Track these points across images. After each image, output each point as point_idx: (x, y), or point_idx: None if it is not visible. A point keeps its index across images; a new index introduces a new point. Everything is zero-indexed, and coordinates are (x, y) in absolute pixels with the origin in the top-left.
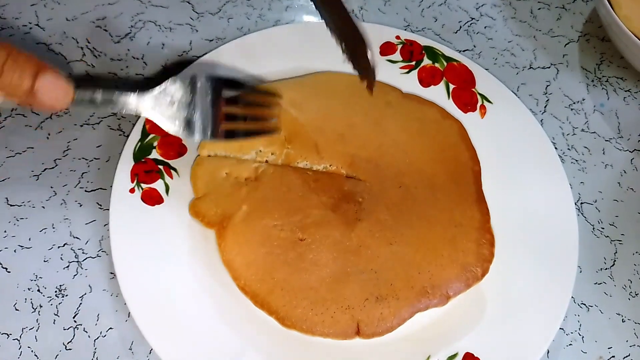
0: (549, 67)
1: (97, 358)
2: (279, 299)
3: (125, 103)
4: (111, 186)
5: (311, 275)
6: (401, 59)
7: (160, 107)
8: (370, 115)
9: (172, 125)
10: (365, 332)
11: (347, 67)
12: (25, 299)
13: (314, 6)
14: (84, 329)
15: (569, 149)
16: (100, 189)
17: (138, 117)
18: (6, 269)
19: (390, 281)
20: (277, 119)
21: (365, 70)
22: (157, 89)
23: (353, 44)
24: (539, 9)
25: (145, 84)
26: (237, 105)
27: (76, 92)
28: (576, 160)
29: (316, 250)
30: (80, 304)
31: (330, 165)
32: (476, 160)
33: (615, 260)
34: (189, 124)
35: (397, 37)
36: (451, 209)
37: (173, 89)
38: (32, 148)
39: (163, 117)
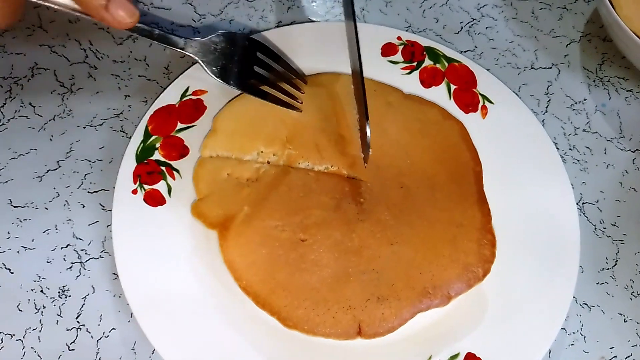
0: (551, 68)
1: (99, 358)
2: (280, 300)
3: (176, 42)
4: (114, 187)
5: (312, 275)
6: (402, 59)
7: (204, 51)
8: (371, 116)
9: (211, 68)
10: (366, 332)
11: (348, 68)
12: (29, 299)
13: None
14: (87, 329)
15: (570, 149)
16: (103, 190)
17: (140, 118)
18: (9, 269)
19: (392, 281)
20: (301, 100)
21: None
22: (205, 38)
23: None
24: (540, 9)
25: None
26: (270, 72)
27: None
28: (578, 161)
29: (317, 250)
30: (83, 304)
31: (331, 166)
32: (477, 160)
33: (617, 260)
34: (224, 71)
35: (399, 38)
36: (452, 209)
37: (217, 40)
38: (35, 149)
39: (205, 60)
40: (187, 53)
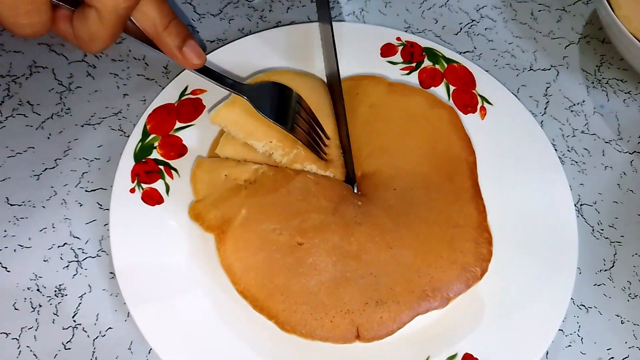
0: (549, 69)
1: (96, 358)
2: (278, 304)
3: (232, 85)
4: (111, 186)
5: (310, 279)
6: (402, 60)
7: (254, 95)
8: (357, 121)
9: (258, 106)
10: (365, 336)
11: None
12: (25, 298)
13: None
14: (83, 328)
15: (568, 150)
16: (101, 189)
17: (139, 117)
18: (6, 268)
19: (390, 285)
20: (326, 153)
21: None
22: (255, 84)
23: None
24: (540, 10)
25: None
26: (304, 118)
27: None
28: (576, 162)
29: (315, 254)
30: (80, 303)
31: (333, 176)
32: (470, 150)
33: (614, 262)
34: (269, 110)
35: (398, 39)
36: (448, 209)
37: (267, 86)
38: (33, 148)
39: (253, 101)
40: (241, 95)
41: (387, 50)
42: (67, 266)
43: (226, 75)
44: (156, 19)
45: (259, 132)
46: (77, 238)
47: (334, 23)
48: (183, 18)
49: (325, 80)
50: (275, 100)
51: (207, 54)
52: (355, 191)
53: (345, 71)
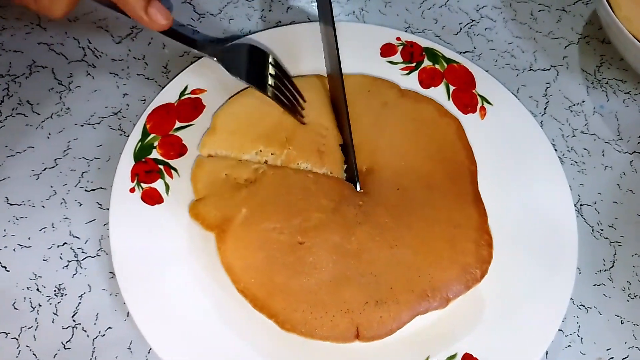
0: (549, 69)
1: (95, 357)
2: (278, 303)
3: (201, 46)
4: (111, 186)
5: (311, 278)
6: (402, 60)
7: (226, 57)
8: (367, 117)
9: (231, 70)
10: (364, 335)
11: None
12: (25, 298)
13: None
14: (83, 328)
15: (568, 150)
16: (101, 188)
17: (139, 116)
18: (5, 267)
19: (390, 285)
20: (303, 115)
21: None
22: (227, 45)
23: None
24: (539, 11)
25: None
26: (277, 79)
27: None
28: (576, 162)
29: (316, 253)
30: (80, 303)
31: (330, 172)
32: (473, 159)
33: (614, 262)
34: (241, 71)
35: (398, 39)
36: (449, 210)
37: (238, 48)
38: (33, 147)
39: (226, 64)
40: (210, 57)
41: (387, 50)
42: (67, 266)
43: (196, 38)
44: None
45: (245, 146)
46: (77, 238)
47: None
48: (182, 18)
49: (327, 78)
50: (247, 62)
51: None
52: (359, 189)
53: (346, 71)
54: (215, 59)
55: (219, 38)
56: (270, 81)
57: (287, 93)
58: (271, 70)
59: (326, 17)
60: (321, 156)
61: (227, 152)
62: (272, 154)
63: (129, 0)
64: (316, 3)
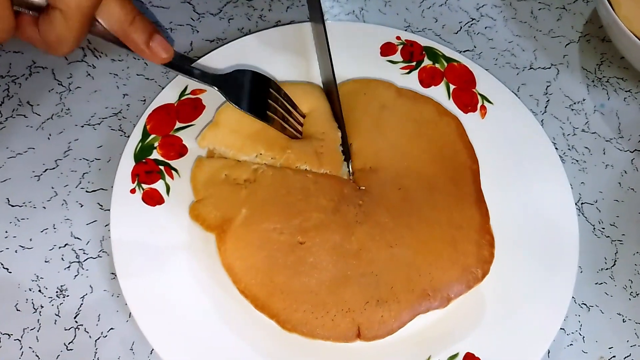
0: (550, 68)
1: (98, 358)
2: (279, 303)
3: (203, 78)
4: (112, 187)
5: (311, 278)
6: (402, 59)
7: (225, 85)
8: (366, 120)
9: (230, 98)
10: (365, 335)
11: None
12: (27, 299)
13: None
14: (85, 329)
15: (569, 149)
16: (101, 189)
17: (139, 117)
18: (7, 269)
19: (391, 284)
20: (301, 132)
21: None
22: (226, 73)
23: None
24: (540, 9)
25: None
26: (278, 104)
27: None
28: (577, 161)
29: (316, 253)
30: (81, 304)
31: (329, 172)
32: (474, 158)
33: (615, 261)
34: (241, 100)
35: (398, 38)
36: (450, 210)
37: (236, 75)
38: (33, 148)
39: (225, 91)
40: (212, 87)
41: (386, 50)
42: (69, 267)
43: (196, 67)
44: (121, 16)
45: (246, 147)
46: (78, 239)
47: (333, 23)
48: (182, 18)
49: (322, 84)
50: (249, 90)
51: (206, 54)
52: (351, 178)
53: (345, 71)
54: (216, 88)
55: (219, 39)
56: (272, 109)
57: (288, 117)
58: (273, 96)
59: (316, 18)
60: (319, 158)
61: (226, 149)
62: (272, 158)
63: (132, 36)
64: (307, 3)
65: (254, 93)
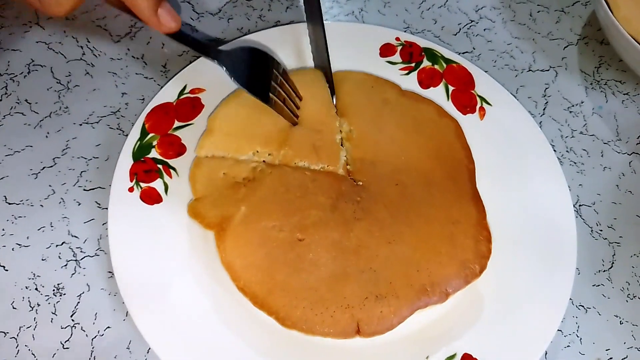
0: (548, 70)
1: (94, 357)
2: (278, 300)
3: (207, 51)
4: (110, 185)
5: (310, 275)
6: (401, 60)
7: (230, 61)
8: (368, 111)
9: (234, 75)
10: (365, 331)
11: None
12: (23, 297)
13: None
14: (82, 327)
15: (567, 151)
16: (99, 187)
17: (137, 116)
18: (4, 267)
19: (390, 280)
20: (298, 115)
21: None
22: (231, 49)
23: None
24: (539, 11)
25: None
26: (278, 84)
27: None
28: (575, 163)
29: (315, 250)
30: (78, 302)
31: (327, 166)
32: (471, 159)
33: (613, 263)
34: (244, 78)
35: (397, 39)
36: (448, 206)
37: (241, 52)
38: (31, 146)
39: (230, 69)
40: (213, 61)
41: (386, 50)
42: (66, 265)
43: (201, 40)
44: None
45: (243, 147)
46: (76, 237)
47: (333, 23)
48: (182, 17)
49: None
50: (250, 67)
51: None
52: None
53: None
54: (218, 63)
55: (218, 38)
56: (273, 90)
57: (288, 99)
58: (274, 76)
59: (314, 15)
60: (317, 152)
61: (224, 153)
62: (269, 154)
63: (139, 2)
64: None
65: (257, 71)
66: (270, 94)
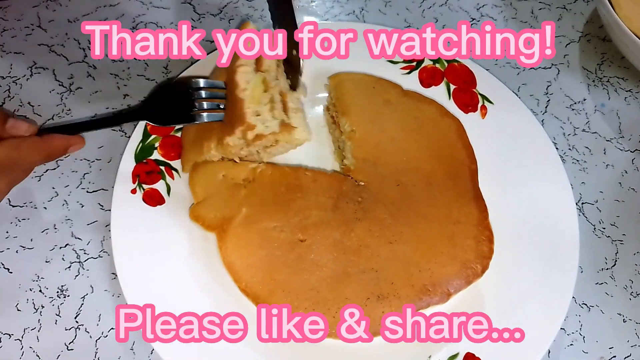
0: (550, 68)
1: (98, 358)
2: (280, 300)
3: (119, 120)
4: (112, 187)
5: (312, 275)
6: (402, 59)
7: (154, 109)
8: (369, 111)
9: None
10: (367, 330)
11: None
12: (27, 299)
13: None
14: (86, 329)
15: (570, 149)
16: (102, 189)
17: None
18: (8, 269)
19: (391, 280)
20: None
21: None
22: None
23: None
24: (540, 9)
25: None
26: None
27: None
28: (577, 161)
29: (316, 250)
30: (82, 304)
31: (299, 137)
32: (473, 158)
33: (616, 261)
34: (166, 118)
35: None
36: (449, 206)
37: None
38: None
39: (150, 117)
40: (131, 122)
41: None
42: (69, 267)
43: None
44: None
45: (204, 148)
46: (79, 239)
47: (334, 23)
48: (182, 18)
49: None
50: (169, 103)
51: (207, 55)
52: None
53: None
54: (141, 119)
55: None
56: (197, 107)
57: (210, 104)
58: (195, 95)
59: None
60: (288, 128)
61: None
62: (239, 147)
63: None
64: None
65: (178, 101)
66: (197, 113)
